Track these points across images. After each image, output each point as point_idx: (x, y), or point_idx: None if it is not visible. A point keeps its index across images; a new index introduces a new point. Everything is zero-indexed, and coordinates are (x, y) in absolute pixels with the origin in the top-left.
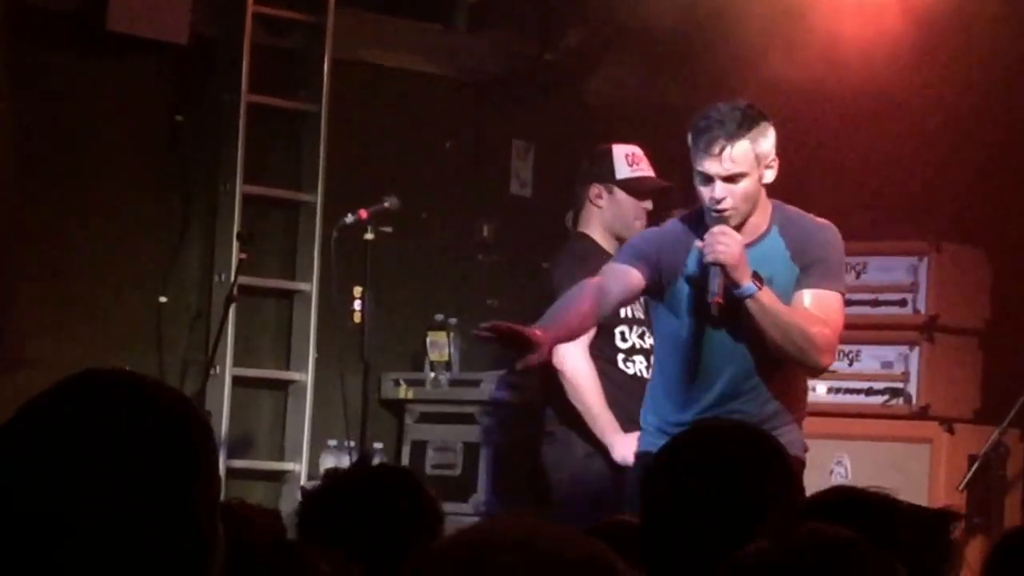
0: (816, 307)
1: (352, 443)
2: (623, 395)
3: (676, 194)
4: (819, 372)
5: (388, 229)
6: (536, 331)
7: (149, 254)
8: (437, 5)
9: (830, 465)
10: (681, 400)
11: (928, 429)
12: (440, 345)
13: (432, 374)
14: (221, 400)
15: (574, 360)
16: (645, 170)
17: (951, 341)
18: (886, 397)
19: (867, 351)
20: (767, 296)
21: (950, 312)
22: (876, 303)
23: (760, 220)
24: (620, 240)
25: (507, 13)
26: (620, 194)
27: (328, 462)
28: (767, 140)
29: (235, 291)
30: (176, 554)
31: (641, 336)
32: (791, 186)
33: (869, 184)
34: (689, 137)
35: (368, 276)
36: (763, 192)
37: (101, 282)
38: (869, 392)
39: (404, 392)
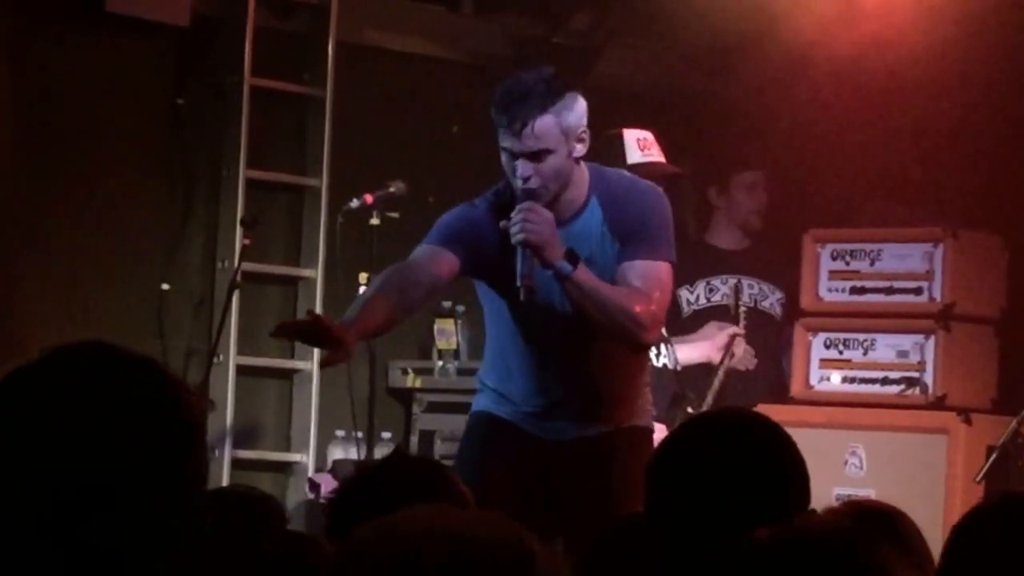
0: (639, 280)
1: (360, 433)
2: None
3: (686, 180)
4: (644, 349)
5: (394, 214)
6: (338, 327)
7: (150, 240)
8: None
9: (844, 456)
10: (518, 381)
11: (945, 419)
12: (447, 333)
13: (440, 362)
14: (225, 389)
15: None
16: (656, 155)
17: (968, 329)
18: (902, 387)
19: (882, 340)
20: (583, 275)
21: (967, 300)
22: (891, 291)
23: (577, 195)
24: None
25: None
26: None
27: (336, 453)
28: (574, 113)
29: (238, 278)
30: (157, 528)
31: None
32: (806, 171)
33: (884, 170)
34: (492, 111)
35: (374, 262)
36: (580, 165)
37: (102, 269)
38: (884, 382)
39: (412, 381)
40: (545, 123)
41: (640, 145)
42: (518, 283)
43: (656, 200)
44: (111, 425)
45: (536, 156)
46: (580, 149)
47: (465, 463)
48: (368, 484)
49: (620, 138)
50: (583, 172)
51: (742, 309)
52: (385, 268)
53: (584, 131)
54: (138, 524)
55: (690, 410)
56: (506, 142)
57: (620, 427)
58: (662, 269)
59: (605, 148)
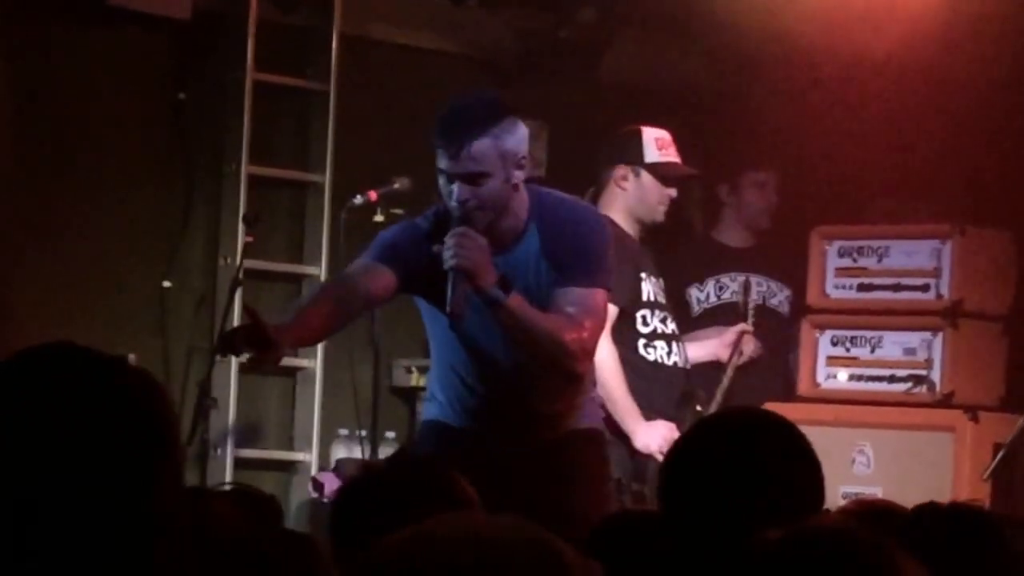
0: (573, 307)
1: (363, 432)
2: (643, 382)
3: (697, 181)
4: (573, 377)
5: (399, 211)
6: (274, 328)
7: (152, 237)
8: None
9: (851, 454)
10: (462, 396)
11: (952, 417)
12: None
13: None
14: (228, 387)
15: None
16: (673, 156)
17: (976, 327)
18: (909, 384)
19: (889, 337)
20: (515, 303)
21: (975, 297)
22: (898, 288)
23: (515, 222)
24: (641, 224)
25: None
26: (646, 178)
27: (339, 452)
28: (514, 137)
29: (241, 275)
30: (131, 530)
31: (663, 321)
32: (813, 168)
33: (892, 166)
34: (432, 135)
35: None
36: (520, 191)
37: (102, 267)
38: (891, 379)
39: (416, 379)
40: (483, 146)
41: (658, 144)
42: (447, 309)
43: (595, 226)
44: (82, 425)
45: (473, 179)
46: (519, 175)
47: None
48: (372, 486)
49: (639, 135)
50: (523, 199)
51: (751, 306)
52: None
53: (524, 157)
54: (113, 524)
55: (699, 408)
56: (443, 163)
57: (568, 432)
58: (597, 297)
59: (623, 144)
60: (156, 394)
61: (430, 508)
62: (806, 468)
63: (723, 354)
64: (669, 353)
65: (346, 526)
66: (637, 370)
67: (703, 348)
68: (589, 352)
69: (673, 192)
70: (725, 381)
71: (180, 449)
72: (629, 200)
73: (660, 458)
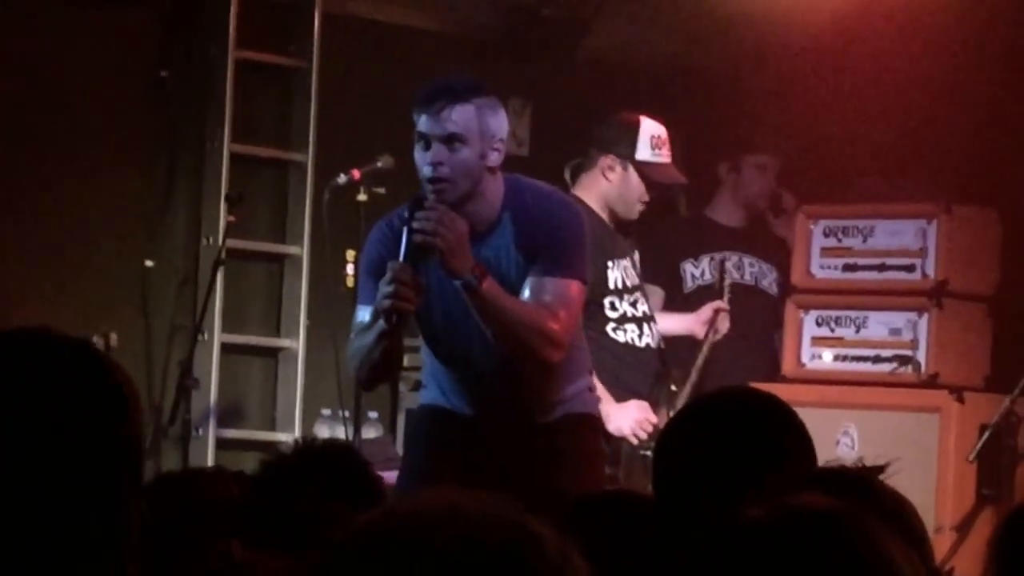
0: (546, 296)
1: (346, 412)
2: (615, 362)
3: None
4: (547, 367)
5: (382, 190)
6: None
7: (134, 216)
8: None
9: (836, 435)
10: (449, 383)
11: (937, 398)
12: None
13: None
14: (209, 368)
15: None
16: (665, 156)
17: (961, 307)
18: (894, 365)
19: (874, 317)
20: (489, 290)
21: (960, 277)
22: (883, 268)
23: (489, 210)
24: (614, 216)
25: None
26: (633, 174)
27: (322, 432)
28: (495, 117)
29: (223, 255)
30: (91, 521)
31: (633, 304)
32: (798, 148)
33: (877, 145)
34: (412, 110)
35: (361, 239)
36: (496, 177)
37: (84, 246)
38: (876, 360)
39: None
40: (466, 111)
41: (652, 143)
42: (379, 301)
43: (571, 216)
44: (39, 407)
45: (450, 141)
46: (495, 158)
47: (413, 457)
48: (276, 474)
49: (636, 129)
50: (497, 187)
51: (726, 284)
52: None
53: (501, 141)
54: (74, 507)
55: (673, 388)
56: (422, 126)
57: (563, 416)
58: (572, 287)
59: (618, 134)
60: (114, 375)
61: (336, 494)
62: (799, 446)
63: (698, 331)
64: (640, 335)
65: (256, 517)
66: (608, 351)
67: (676, 322)
68: (562, 342)
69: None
70: (700, 359)
71: (138, 441)
72: (610, 191)
73: (633, 440)
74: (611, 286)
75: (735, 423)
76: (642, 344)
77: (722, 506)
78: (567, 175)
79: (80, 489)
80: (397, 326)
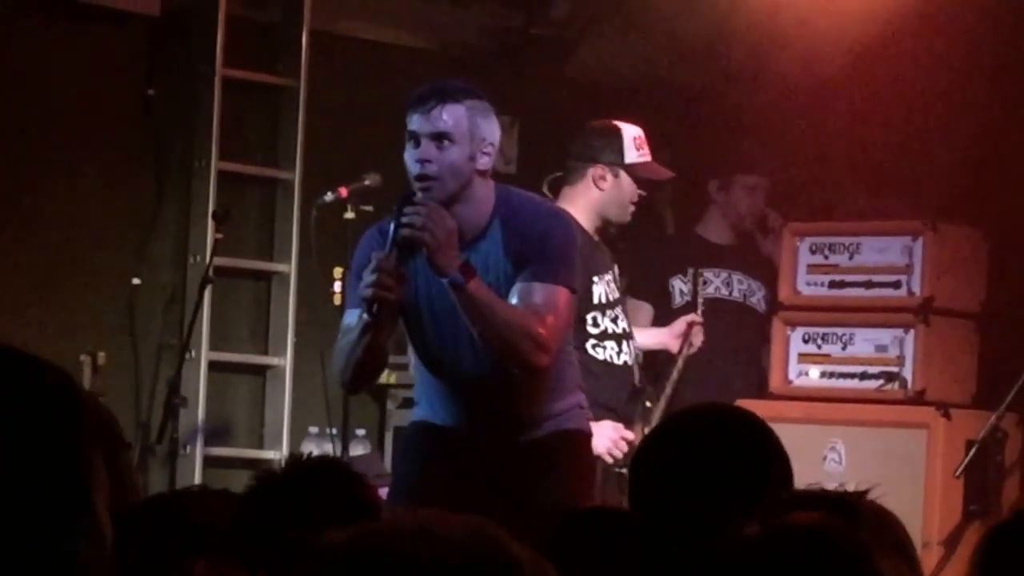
0: (535, 301)
1: (334, 430)
2: (591, 378)
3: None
4: (533, 372)
5: (369, 208)
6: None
7: (121, 234)
8: None
9: (823, 451)
10: (438, 396)
11: (924, 414)
12: None
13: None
14: (197, 385)
15: None
16: (647, 155)
17: (947, 324)
18: (881, 382)
19: (861, 334)
20: (476, 288)
21: (946, 294)
22: (870, 285)
23: (478, 215)
24: (606, 223)
25: None
26: (624, 178)
27: (310, 449)
28: (487, 121)
29: (211, 272)
30: (55, 542)
31: (614, 320)
32: (785, 164)
33: (864, 162)
34: (408, 114)
35: (348, 257)
36: (487, 182)
37: (72, 263)
38: (863, 376)
39: (386, 377)
40: (456, 111)
41: (636, 144)
42: (361, 289)
43: (561, 226)
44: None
45: (439, 138)
46: (485, 161)
47: (403, 474)
48: (267, 489)
49: (619, 134)
50: (488, 193)
51: (700, 299)
52: None
53: (492, 146)
54: (31, 523)
55: (648, 404)
56: (414, 125)
57: (552, 432)
58: (560, 294)
59: (603, 143)
60: (71, 392)
61: (327, 510)
62: (775, 462)
63: (672, 345)
64: (619, 352)
65: (247, 533)
66: (585, 367)
67: (650, 337)
68: (549, 347)
69: (642, 192)
70: (675, 373)
71: (94, 460)
72: (603, 199)
73: (608, 459)
74: (595, 301)
75: (710, 440)
76: (620, 361)
77: (698, 523)
78: (546, 189)
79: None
80: (379, 316)
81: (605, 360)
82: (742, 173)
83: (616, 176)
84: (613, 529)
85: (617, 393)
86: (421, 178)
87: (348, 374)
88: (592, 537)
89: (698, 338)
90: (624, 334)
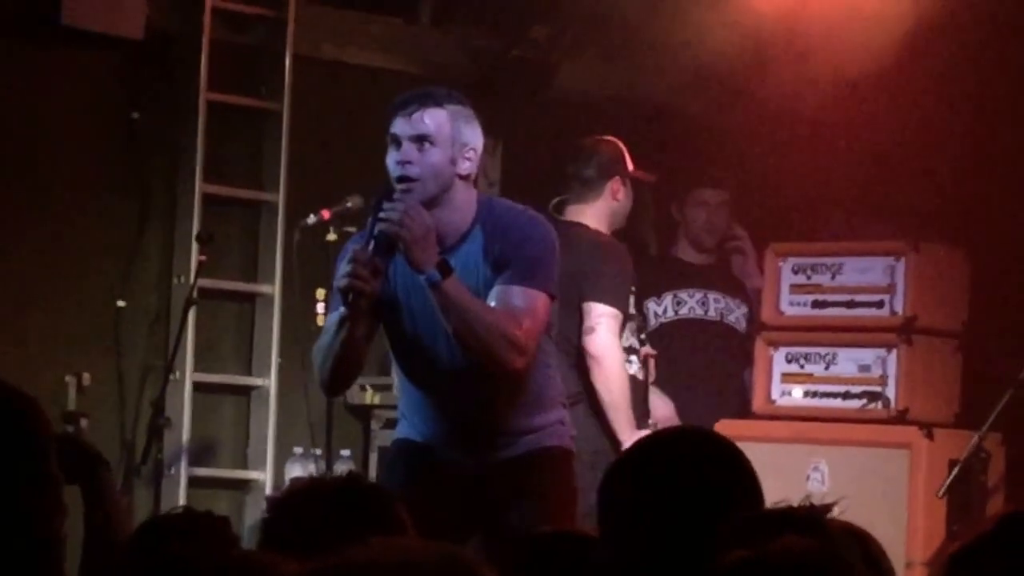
0: (513, 304)
1: (318, 451)
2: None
3: (646, 194)
4: (509, 374)
5: (351, 229)
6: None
7: (105, 256)
8: None
9: (806, 471)
10: (420, 410)
11: (907, 434)
12: None
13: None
14: (181, 406)
15: (615, 347)
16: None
17: (930, 343)
18: (863, 401)
19: (843, 354)
20: (452, 287)
21: (929, 314)
22: (852, 304)
23: (460, 220)
24: (613, 233)
25: (472, 7)
26: (629, 186)
27: (294, 470)
28: (470, 127)
29: (195, 294)
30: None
31: (632, 332)
32: (767, 186)
33: (846, 182)
34: (390, 121)
35: (331, 279)
36: (469, 188)
37: (56, 285)
38: (846, 396)
39: (370, 397)
40: (438, 115)
41: (629, 153)
42: (337, 279)
43: (542, 232)
44: None
45: (420, 140)
46: (466, 166)
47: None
48: (299, 503)
49: (620, 146)
50: (470, 199)
51: (659, 323)
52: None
53: (474, 151)
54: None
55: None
56: (395, 128)
57: (532, 449)
58: (538, 299)
59: (615, 157)
60: (29, 415)
61: (362, 530)
62: (742, 483)
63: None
64: (640, 368)
65: (277, 541)
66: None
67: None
68: (525, 349)
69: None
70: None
71: (52, 472)
72: (617, 209)
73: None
74: (629, 311)
75: (675, 463)
76: (631, 372)
77: (666, 546)
78: (551, 211)
79: None
80: (355, 307)
81: (632, 375)
82: (694, 188)
83: (625, 185)
84: (581, 554)
85: (636, 407)
86: (402, 179)
87: (326, 370)
88: (560, 562)
89: (652, 368)
90: (631, 348)
